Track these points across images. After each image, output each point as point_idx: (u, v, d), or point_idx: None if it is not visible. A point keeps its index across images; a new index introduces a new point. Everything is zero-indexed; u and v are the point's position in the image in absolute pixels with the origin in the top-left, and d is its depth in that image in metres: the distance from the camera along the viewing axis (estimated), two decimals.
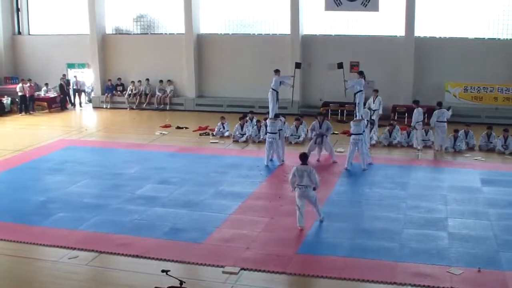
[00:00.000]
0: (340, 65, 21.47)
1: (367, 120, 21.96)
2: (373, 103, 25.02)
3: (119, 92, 33.10)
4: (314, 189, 14.28)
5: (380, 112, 25.31)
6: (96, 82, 33.83)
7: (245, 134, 24.16)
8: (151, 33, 33.43)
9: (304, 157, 14.53)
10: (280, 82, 20.78)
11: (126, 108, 32.46)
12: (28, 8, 35.20)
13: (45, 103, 32.08)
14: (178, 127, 26.85)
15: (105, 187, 17.70)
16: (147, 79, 32.40)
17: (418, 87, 28.80)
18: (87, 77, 34.58)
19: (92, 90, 34.58)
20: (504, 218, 14.89)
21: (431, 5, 28.88)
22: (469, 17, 28.61)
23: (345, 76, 21.26)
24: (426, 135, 23.22)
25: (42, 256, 12.88)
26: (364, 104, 21.96)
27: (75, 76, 33.59)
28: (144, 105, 32.37)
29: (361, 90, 20.11)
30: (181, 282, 8.81)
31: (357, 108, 20.16)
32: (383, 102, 25.42)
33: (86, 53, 33.53)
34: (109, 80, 33.16)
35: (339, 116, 28.79)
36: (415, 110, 23.32)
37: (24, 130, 26.84)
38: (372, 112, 24.61)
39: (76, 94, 33.55)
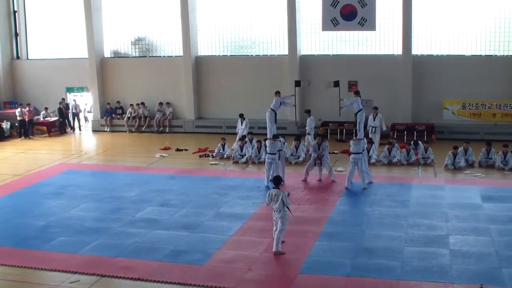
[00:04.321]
0: (336, 84, 21.61)
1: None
2: (373, 120, 25.31)
3: (118, 116, 33.18)
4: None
5: (384, 128, 25.73)
6: (95, 106, 33.92)
7: (245, 155, 24.18)
8: (149, 56, 33.58)
9: (276, 180, 14.44)
10: (281, 103, 20.89)
11: (126, 131, 32.53)
12: (26, 32, 35.39)
13: (45, 127, 32.13)
14: (177, 149, 26.86)
15: (105, 210, 17.67)
16: (143, 103, 32.47)
17: (417, 104, 28.88)
18: (81, 100, 34.64)
19: (88, 112, 34.63)
20: (505, 234, 14.87)
21: (428, 23, 29.03)
22: (466, 35, 28.74)
23: (341, 95, 21.37)
24: (426, 152, 23.25)
25: (43, 280, 12.85)
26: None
27: (74, 100, 33.71)
28: (144, 128, 32.43)
29: (361, 109, 20.17)
30: None
31: (357, 127, 20.21)
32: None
33: (85, 77, 33.66)
34: (108, 103, 33.26)
35: (338, 135, 28.81)
36: (308, 119, 25.08)
37: (23, 155, 26.86)
38: (373, 129, 24.93)
39: (76, 117, 33.63)
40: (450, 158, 22.43)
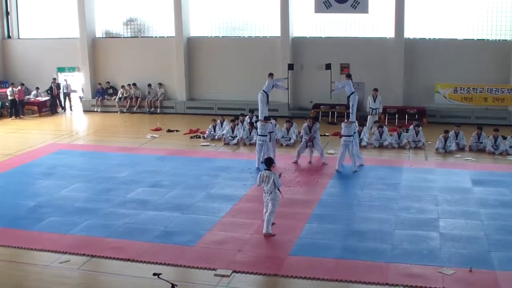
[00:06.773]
0: (328, 66, 21.64)
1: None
2: (373, 102, 25.70)
3: (109, 96, 33.04)
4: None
5: (380, 110, 26.41)
6: (86, 86, 33.73)
7: (236, 136, 24.16)
8: (141, 37, 33.39)
9: (268, 162, 14.36)
10: (273, 85, 20.86)
11: (117, 112, 32.41)
12: (17, 11, 35.08)
13: (36, 107, 32.00)
14: (169, 130, 26.82)
15: (96, 191, 17.64)
16: (134, 84, 32.33)
17: (408, 88, 28.90)
18: (72, 80, 34.39)
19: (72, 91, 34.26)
20: (495, 218, 14.95)
21: (421, 7, 28.96)
22: (459, 18, 28.71)
23: (332, 77, 21.38)
24: (417, 136, 23.29)
25: (33, 260, 12.83)
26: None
27: (65, 80, 33.52)
28: (135, 108, 32.32)
29: (353, 92, 20.18)
30: (173, 286, 8.80)
31: (350, 110, 20.23)
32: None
33: (76, 57, 33.46)
34: (99, 83, 33.10)
35: (330, 117, 28.79)
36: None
37: (14, 134, 26.75)
38: (374, 111, 25.37)
39: (67, 97, 33.46)
40: (441, 142, 22.49)
